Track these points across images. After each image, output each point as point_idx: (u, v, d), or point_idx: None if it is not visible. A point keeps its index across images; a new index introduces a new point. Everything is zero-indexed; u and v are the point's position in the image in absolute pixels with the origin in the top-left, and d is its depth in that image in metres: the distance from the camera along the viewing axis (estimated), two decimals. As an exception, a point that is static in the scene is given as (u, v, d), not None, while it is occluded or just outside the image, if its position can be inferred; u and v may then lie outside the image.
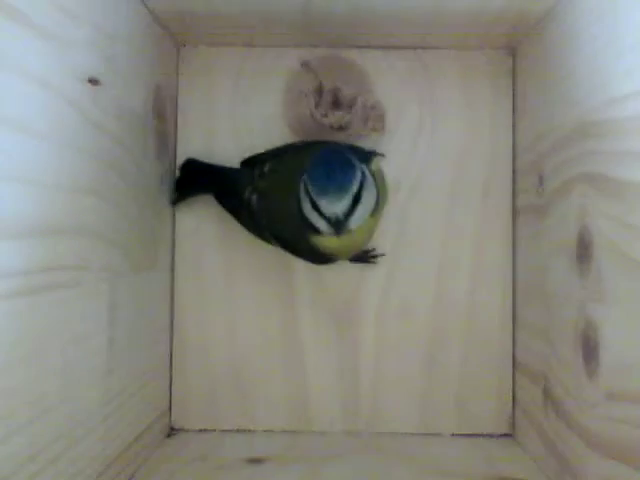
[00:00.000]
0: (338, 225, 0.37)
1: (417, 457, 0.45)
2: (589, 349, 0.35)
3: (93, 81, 0.34)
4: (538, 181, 0.44)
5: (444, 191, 0.51)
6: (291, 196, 0.40)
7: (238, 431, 0.50)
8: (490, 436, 0.49)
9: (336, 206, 0.37)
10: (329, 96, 0.51)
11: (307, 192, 0.38)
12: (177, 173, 0.50)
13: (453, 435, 0.50)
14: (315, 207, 0.37)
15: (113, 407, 0.38)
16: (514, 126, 0.50)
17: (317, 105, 0.51)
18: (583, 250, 0.36)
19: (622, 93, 0.32)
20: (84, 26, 0.33)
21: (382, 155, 0.50)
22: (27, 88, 0.28)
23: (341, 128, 0.51)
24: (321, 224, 0.38)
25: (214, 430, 0.50)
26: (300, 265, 0.50)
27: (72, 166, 0.32)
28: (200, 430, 0.50)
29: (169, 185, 0.49)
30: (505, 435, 0.49)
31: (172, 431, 0.50)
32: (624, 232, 0.31)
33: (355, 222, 0.38)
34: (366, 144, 0.51)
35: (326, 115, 0.51)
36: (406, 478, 0.42)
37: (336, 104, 0.51)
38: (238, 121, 0.51)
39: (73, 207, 0.32)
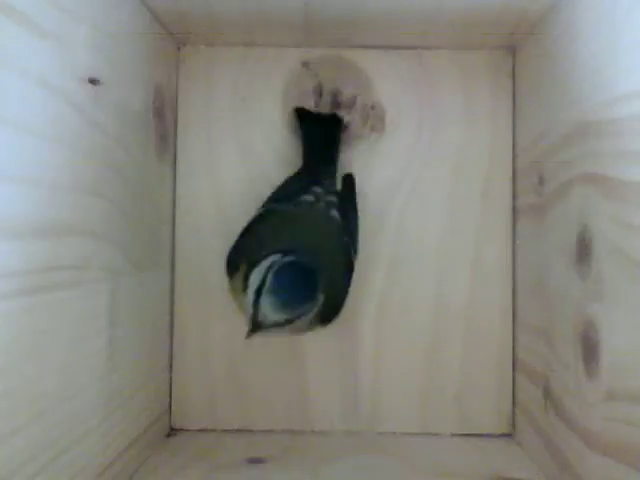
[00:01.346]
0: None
1: (417, 457, 0.45)
2: (589, 349, 0.35)
3: (93, 81, 0.34)
4: (538, 181, 0.44)
5: (444, 191, 0.51)
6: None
7: (238, 431, 0.50)
8: (490, 436, 0.49)
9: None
10: (329, 96, 0.51)
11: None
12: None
13: (453, 435, 0.50)
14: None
15: (113, 407, 0.38)
16: (514, 126, 0.50)
17: (317, 105, 0.51)
18: (583, 250, 0.36)
19: (622, 93, 0.32)
20: (84, 26, 0.33)
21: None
22: (27, 88, 0.28)
23: (341, 128, 0.51)
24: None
25: (214, 430, 0.50)
26: (300, 265, 0.50)
27: (72, 166, 0.32)
28: (200, 430, 0.50)
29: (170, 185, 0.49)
30: (505, 435, 0.49)
31: (172, 431, 0.50)
32: (624, 232, 0.31)
33: None
34: (366, 144, 0.51)
35: (326, 115, 0.51)
36: (406, 478, 0.42)
37: (336, 104, 0.51)
38: (238, 121, 0.51)
39: (73, 207, 0.32)
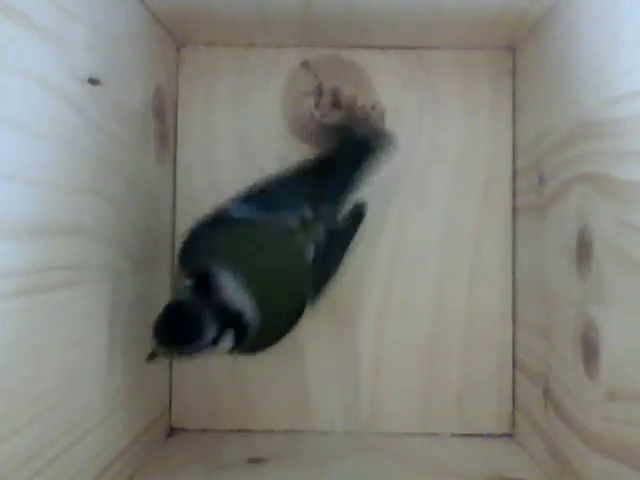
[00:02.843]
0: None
1: (417, 457, 0.45)
2: (589, 349, 0.35)
3: (93, 81, 0.34)
4: (538, 181, 0.44)
5: (444, 191, 0.51)
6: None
7: (238, 431, 0.50)
8: (490, 436, 0.49)
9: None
10: (329, 96, 0.51)
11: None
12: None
13: (453, 435, 0.50)
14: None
15: (113, 407, 0.38)
16: (514, 126, 0.50)
17: (317, 105, 0.51)
18: (583, 250, 0.36)
19: (622, 93, 0.32)
20: (84, 26, 0.33)
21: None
22: (27, 88, 0.28)
23: (341, 128, 0.51)
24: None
25: (214, 430, 0.50)
26: (300, 265, 0.50)
27: (72, 166, 0.32)
28: (200, 430, 0.50)
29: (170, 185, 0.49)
30: (505, 435, 0.49)
31: (172, 431, 0.50)
32: (624, 232, 0.31)
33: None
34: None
35: (326, 115, 0.51)
36: (406, 478, 0.42)
37: (336, 104, 0.51)
38: (238, 121, 0.51)
39: (73, 207, 0.32)
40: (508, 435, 0.49)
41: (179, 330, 0.35)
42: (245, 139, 0.51)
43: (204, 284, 0.36)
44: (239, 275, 0.36)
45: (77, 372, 0.33)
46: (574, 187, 0.38)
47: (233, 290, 0.36)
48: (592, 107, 0.35)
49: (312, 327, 0.50)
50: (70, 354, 0.32)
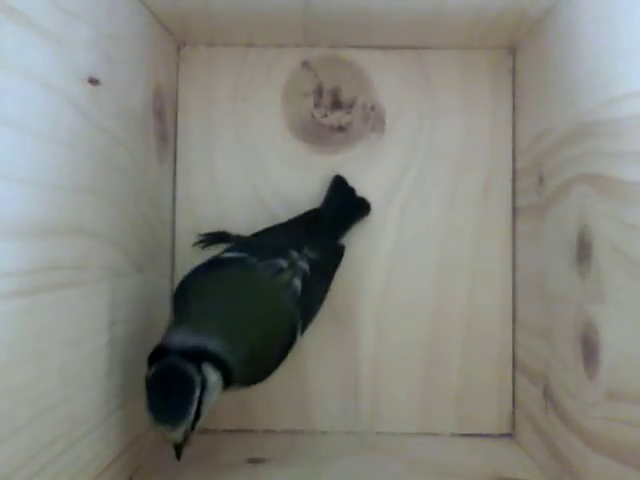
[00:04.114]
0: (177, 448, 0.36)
1: (417, 457, 0.45)
2: (589, 349, 0.35)
3: (93, 81, 0.34)
4: (538, 181, 0.44)
5: (444, 191, 0.51)
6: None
7: (238, 431, 0.50)
8: (490, 436, 0.49)
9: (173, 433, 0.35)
10: (329, 96, 0.51)
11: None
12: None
13: (453, 435, 0.50)
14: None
15: (113, 407, 0.38)
16: (514, 126, 0.50)
17: (317, 105, 0.51)
18: (583, 250, 0.36)
19: (621, 93, 0.32)
20: (84, 26, 0.33)
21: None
22: (27, 88, 0.28)
23: (341, 128, 0.51)
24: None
25: (214, 430, 0.50)
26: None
27: (72, 166, 0.32)
28: (200, 430, 0.50)
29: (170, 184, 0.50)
30: (505, 435, 0.49)
31: (172, 431, 0.50)
32: (624, 232, 0.31)
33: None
34: (366, 144, 0.51)
35: (326, 115, 0.51)
36: (406, 478, 0.42)
37: (336, 104, 0.51)
38: (238, 121, 0.51)
39: (73, 207, 0.32)
40: (508, 435, 0.49)
41: (173, 408, 0.35)
42: (245, 139, 0.51)
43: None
44: (225, 323, 0.37)
45: (77, 372, 0.33)
46: (574, 187, 0.38)
47: (221, 347, 0.36)
48: (591, 107, 0.35)
49: (312, 327, 0.50)
50: (71, 354, 0.32)
